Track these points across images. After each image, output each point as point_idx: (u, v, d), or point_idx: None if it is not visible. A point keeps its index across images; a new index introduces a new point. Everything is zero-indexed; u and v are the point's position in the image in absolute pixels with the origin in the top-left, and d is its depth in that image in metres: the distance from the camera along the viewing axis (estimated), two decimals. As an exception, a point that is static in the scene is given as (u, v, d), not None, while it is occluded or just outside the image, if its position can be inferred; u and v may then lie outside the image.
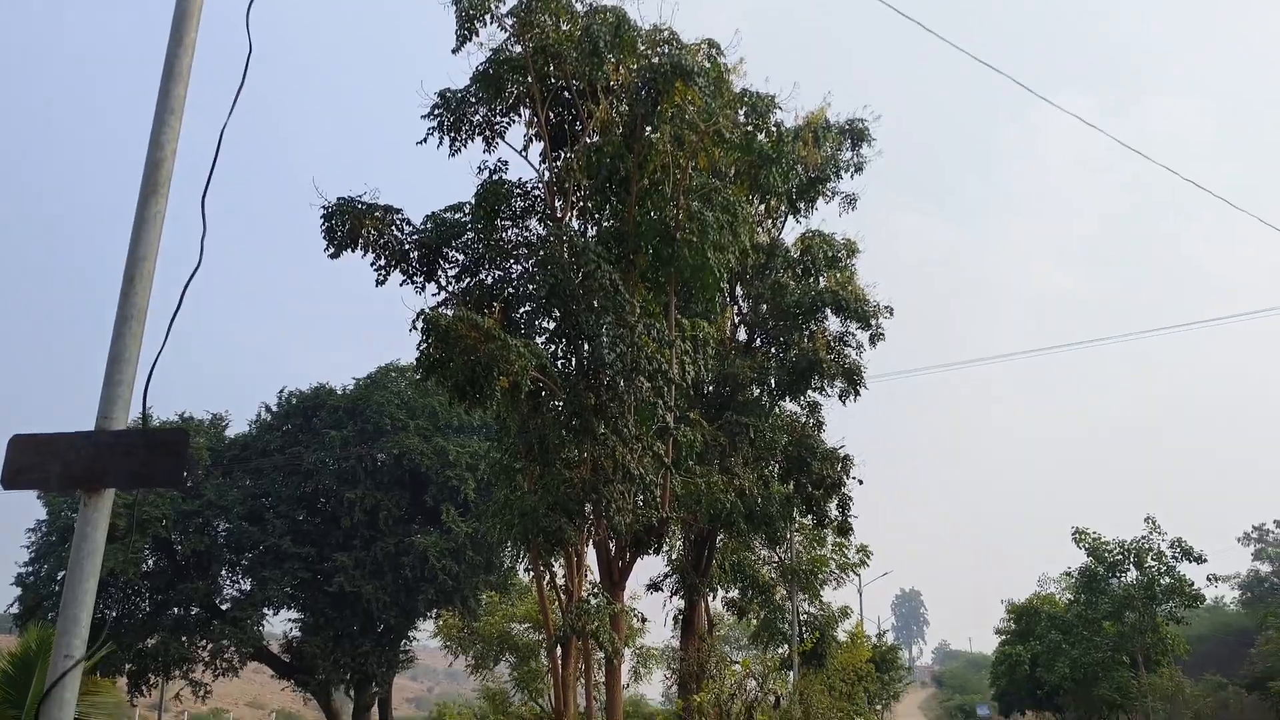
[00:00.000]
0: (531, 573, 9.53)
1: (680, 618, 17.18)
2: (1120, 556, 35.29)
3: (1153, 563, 34.63)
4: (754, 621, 23.58)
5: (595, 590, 7.94)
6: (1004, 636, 50.16)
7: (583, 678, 8.18)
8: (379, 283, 8.30)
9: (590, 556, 8.59)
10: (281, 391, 43.44)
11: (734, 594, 22.62)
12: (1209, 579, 39.31)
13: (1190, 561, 34.30)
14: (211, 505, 37.83)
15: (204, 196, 4.57)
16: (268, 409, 43.15)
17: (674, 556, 18.19)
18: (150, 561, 38.80)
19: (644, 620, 8.47)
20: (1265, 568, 72.79)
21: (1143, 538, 34.98)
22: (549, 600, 8.50)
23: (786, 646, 24.38)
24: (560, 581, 8.55)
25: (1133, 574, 35.26)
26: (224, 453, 41.04)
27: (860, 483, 16.93)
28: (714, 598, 21.39)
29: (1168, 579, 34.44)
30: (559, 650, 7.97)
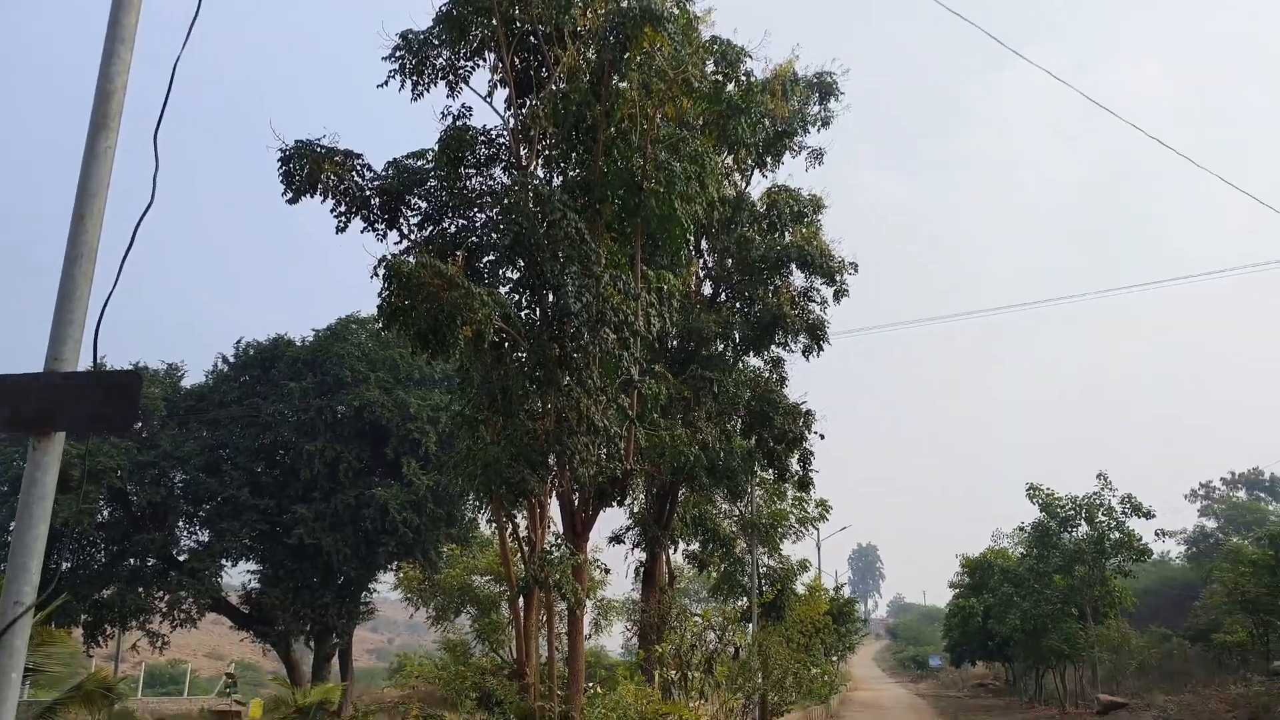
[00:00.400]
0: (493, 525, 9.48)
1: (641, 570, 17.29)
2: (1072, 512, 36.05)
3: (1103, 518, 35.40)
4: (714, 574, 23.80)
5: (558, 541, 7.91)
6: (957, 590, 51.24)
7: (545, 628, 8.17)
8: (339, 229, 8.12)
9: (553, 508, 8.55)
10: (239, 342, 42.85)
11: (695, 547, 22.80)
12: (1157, 534, 40.32)
13: (1140, 517, 35.12)
14: (168, 456, 37.39)
15: (156, 131, 4.40)
16: (225, 360, 42.58)
17: (636, 509, 18.27)
18: (105, 513, 38.37)
19: (607, 572, 8.51)
20: (1211, 524, 74.86)
21: (1094, 494, 35.75)
22: (511, 552, 8.47)
23: (746, 599, 24.67)
24: (523, 533, 8.50)
25: (1083, 529, 36.05)
26: (180, 404, 40.49)
27: (822, 438, 17.11)
28: (675, 551, 21.57)
29: (1117, 534, 35.24)
30: (521, 601, 7.94)
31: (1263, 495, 78.94)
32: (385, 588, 42.68)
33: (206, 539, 39.36)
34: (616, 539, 18.05)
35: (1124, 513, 35.40)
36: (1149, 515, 35.12)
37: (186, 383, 42.63)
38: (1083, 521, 36.06)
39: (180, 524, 40.01)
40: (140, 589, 37.78)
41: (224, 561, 39.17)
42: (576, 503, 8.16)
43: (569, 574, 7.26)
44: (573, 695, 7.78)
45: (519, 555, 8.30)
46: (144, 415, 38.91)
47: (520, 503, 8.03)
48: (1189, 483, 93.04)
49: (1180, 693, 33.53)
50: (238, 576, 41.87)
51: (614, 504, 8.29)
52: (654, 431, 8.96)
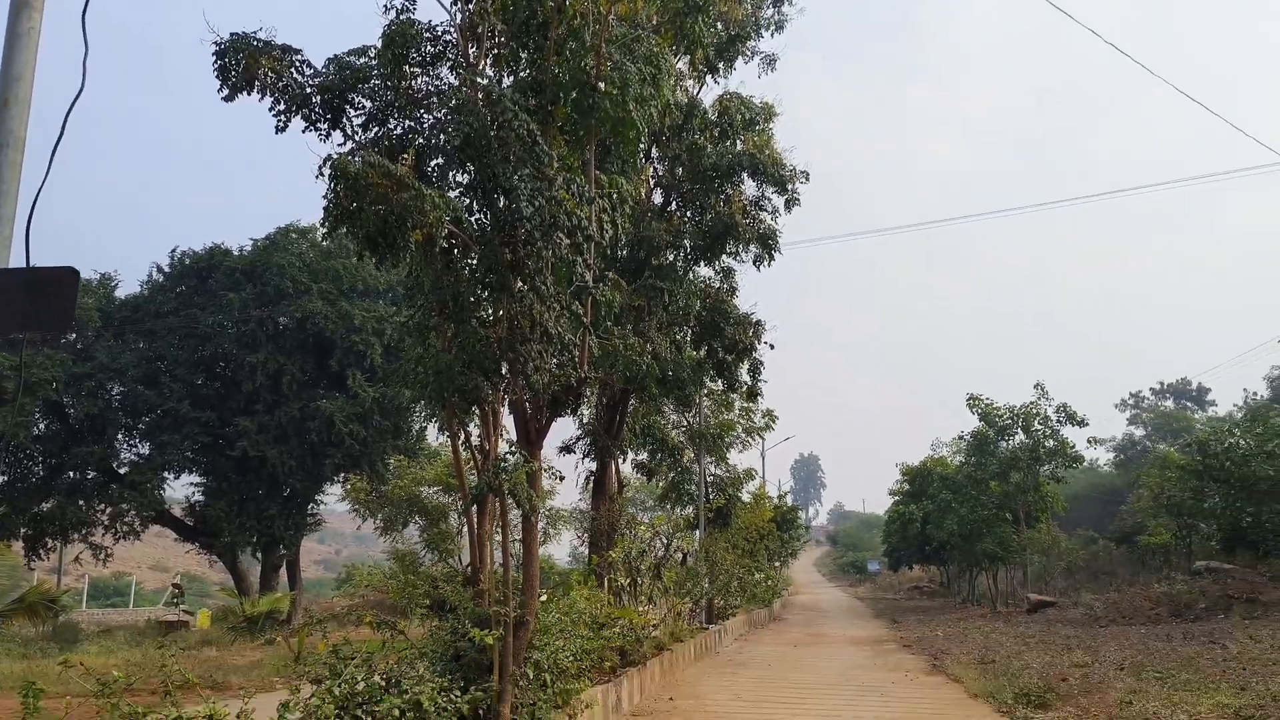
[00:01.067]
0: (442, 436, 9.37)
1: (591, 479, 17.42)
2: (1010, 421, 37.04)
3: (1039, 426, 36.45)
4: (662, 484, 24.11)
5: (512, 449, 7.84)
6: (897, 497, 52.60)
7: (498, 535, 8.17)
8: (279, 129, 7.75)
9: (506, 418, 8.47)
10: (174, 251, 41.66)
11: (643, 457, 23.01)
12: (1089, 441, 41.73)
13: (1074, 425, 36.24)
14: (104, 368, 36.59)
15: (84, 13, 4.09)
16: (159, 269, 41.41)
17: (586, 420, 18.33)
18: (41, 425, 37.66)
19: (561, 479, 8.50)
20: (1139, 432, 77.51)
21: (1031, 403, 36.70)
22: (464, 461, 8.40)
23: (693, 507, 25.06)
24: (475, 441, 8.43)
25: (1020, 437, 37.10)
26: (114, 314, 39.47)
27: (771, 348, 17.22)
28: (624, 461, 21.73)
29: (1052, 441, 36.35)
30: (474, 509, 7.90)
31: (1189, 405, 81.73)
32: (332, 499, 42.61)
33: (147, 452, 38.87)
34: (567, 449, 18.13)
35: (1059, 421, 36.48)
36: (1082, 423, 36.24)
37: (121, 293, 41.54)
38: (1019, 430, 37.09)
39: (120, 437, 39.41)
40: (81, 502, 37.33)
41: (166, 474, 38.75)
42: (530, 411, 8.08)
43: (523, 481, 7.22)
44: (527, 600, 7.82)
45: (471, 464, 8.23)
46: (78, 326, 37.91)
47: (473, 411, 7.91)
48: (1119, 393, 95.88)
49: (1105, 591, 35.05)
50: (181, 489, 41.51)
51: (568, 412, 8.23)
52: (608, 339, 8.87)
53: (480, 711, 7.45)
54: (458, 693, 7.00)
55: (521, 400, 7.95)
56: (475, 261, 7.44)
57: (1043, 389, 36.87)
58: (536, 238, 7.21)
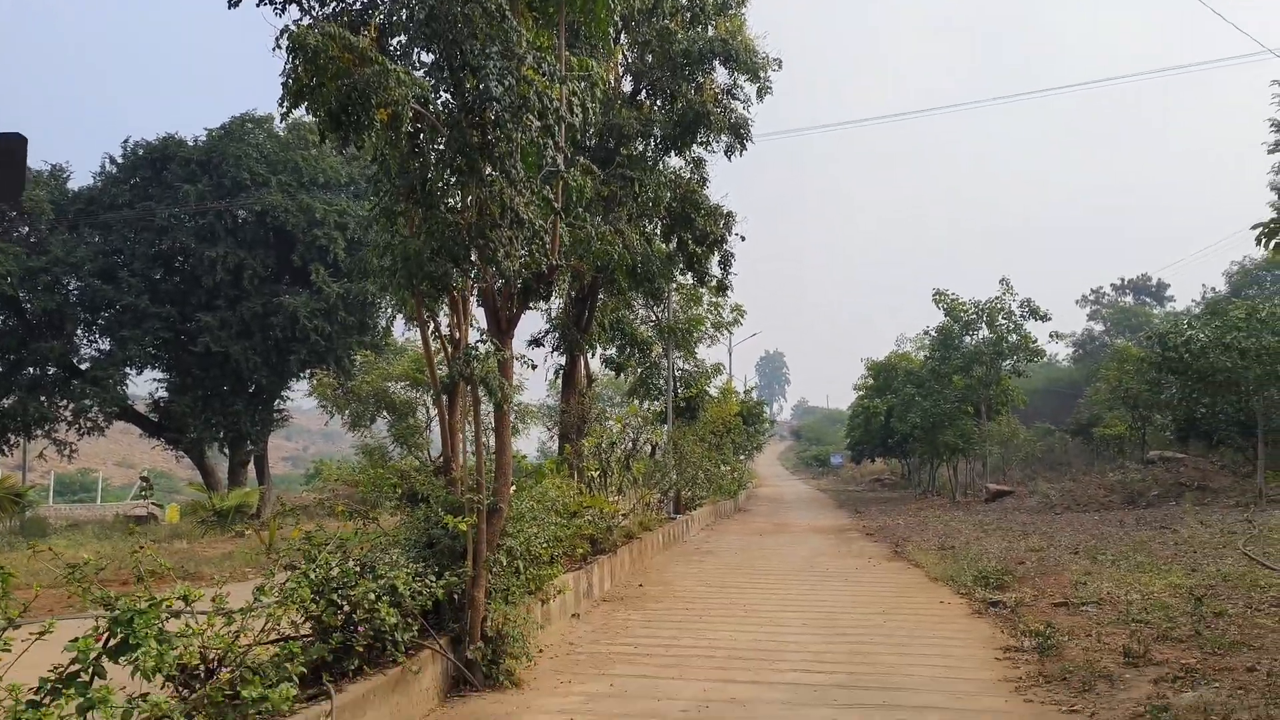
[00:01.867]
0: (411, 328, 9.22)
1: (561, 373, 17.40)
2: (975, 315, 37.42)
3: (1003, 321, 36.87)
4: (631, 378, 24.19)
5: (483, 337, 7.74)
6: (862, 391, 53.31)
7: (470, 425, 8.13)
8: (232, 4, 7.36)
9: (478, 309, 8.35)
10: (126, 141, 40.29)
11: (612, 352, 23.00)
12: (1051, 336, 42.28)
13: (1037, 319, 36.69)
14: (59, 262, 35.76)
15: None
16: (112, 160, 40.16)
17: (555, 313, 18.21)
18: (-2, 321, 37.00)
19: (533, 367, 8.37)
20: (1098, 327, 78.67)
21: (996, 298, 37.05)
22: (433, 351, 8.29)
23: (661, 402, 25.22)
24: (445, 331, 8.31)
25: (984, 332, 37.55)
26: (68, 207, 38.36)
27: (743, 239, 17.06)
28: (593, 356, 21.71)
29: (1015, 336, 36.85)
30: (445, 399, 7.83)
31: (1148, 300, 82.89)
32: (299, 396, 42.47)
33: (108, 347, 38.36)
34: (536, 342, 18.05)
35: (1022, 316, 36.88)
36: (1046, 318, 36.69)
37: (73, 185, 40.36)
38: (984, 325, 37.49)
39: (79, 332, 38.79)
40: (42, 398, 36.95)
41: (128, 370, 38.34)
42: (501, 300, 7.96)
43: (495, 369, 7.14)
44: (500, 488, 7.83)
45: (441, 355, 8.13)
46: (30, 219, 36.92)
47: (442, 300, 7.77)
48: (1080, 289, 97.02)
49: (1061, 481, 36.04)
50: (144, 385, 41.14)
51: (540, 299, 8.11)
52: (578, 226, 8.70)
53: (454, 596, 7.53)
54: (432, 578, 7.06)
55: (492, 289, 7.82)
56: (443, 145, 7.19)
57: (1008, 284, 37.19)
58: (506, 119, 6.97)
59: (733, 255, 16.94)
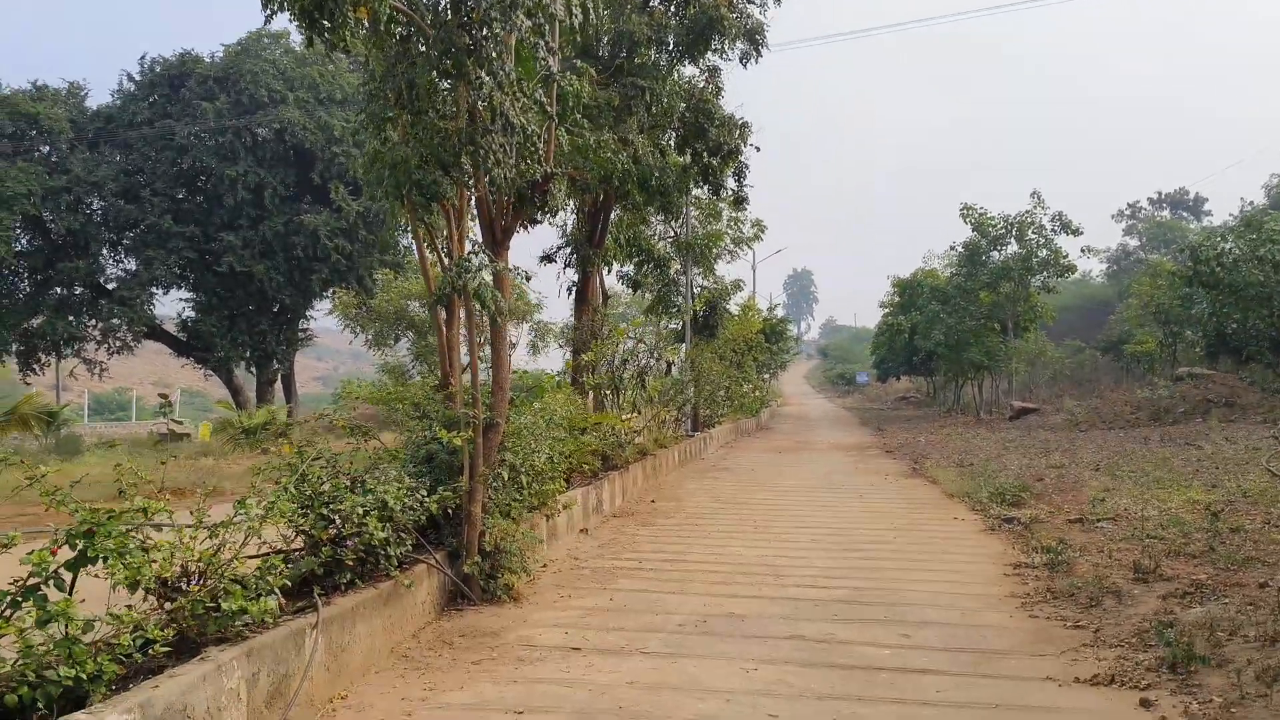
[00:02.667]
0: (403, 235, 9.01)
1: (574, 289, 17.19)
2: (1003, 230, 36.56)
3: (1033, 235, 36.02)
4: (649, 295, 23.92)
5: (476, 249, 7.53)
6: (887, 309, 52.74)
7: (466, 338, 7.98)
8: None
9: (475, 220, 8.13)
10: (143, 58, 40.00)
11: (629, 269, 22.71)
12: (1083, 251, 41.43)
13: (1069, 234, 35.80)
14: (81, 181, 35.81)
15: None
16: (130, 77, 39.89)
17: (569, 230, 17.93)
18: (23, 241, 37.22)
19: (528, 278, 8.11)
20: (1133, 243, 77.11)
21: (1027, 212, 36.14)
22: (431, 264, 8.11)
23: (680, 320, 25.00)
24: (442, 244, 8.12)
25: (1013, 247, 36.75)
26: (87, 125, 38.27)
27: (758, 149, 16.58)
28: (609, 272, 21.46)
29: (1045, 251, 36.05)
30: (444, 314, 7.67)
31: (1185, 214, 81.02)
32: (323, 315, 42.68)
33: (134, 267, 38.63)
34: (548, 258, 17.77)
35: (1054, 230, 36.03)
36: (1077, 232, 35.80)
37: (91, 103, 40.17)
38: (1013, 240, 36.68)
39: (105, 252, 39.08)
40: (70, 317, 37.38)
41: (154, 290, 38.66)
42: (495, 209, 7.73)
43: (488, 282, 6.96)
44: (497, 403, 7.72)
45: (438, 266, 7.95)
46: (50, 136, 36.83)
47: (435, 208, 7.55)
48: (1116, 205, 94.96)
49: (1089, 398, 35.66)
50: (172, 305, 41.55)
51: (536, 210, 7.88)
52: (576, 133, 8.41)
53: (449, 511, 7.48)
54: (424, 492, 6.99)
55: (485, 198, 7.59)
56: (430, 47, 6.89)
57: (1039, 198, 36.25)
58: (494, 18, 6.67)
59: (748, 167, 16.52)
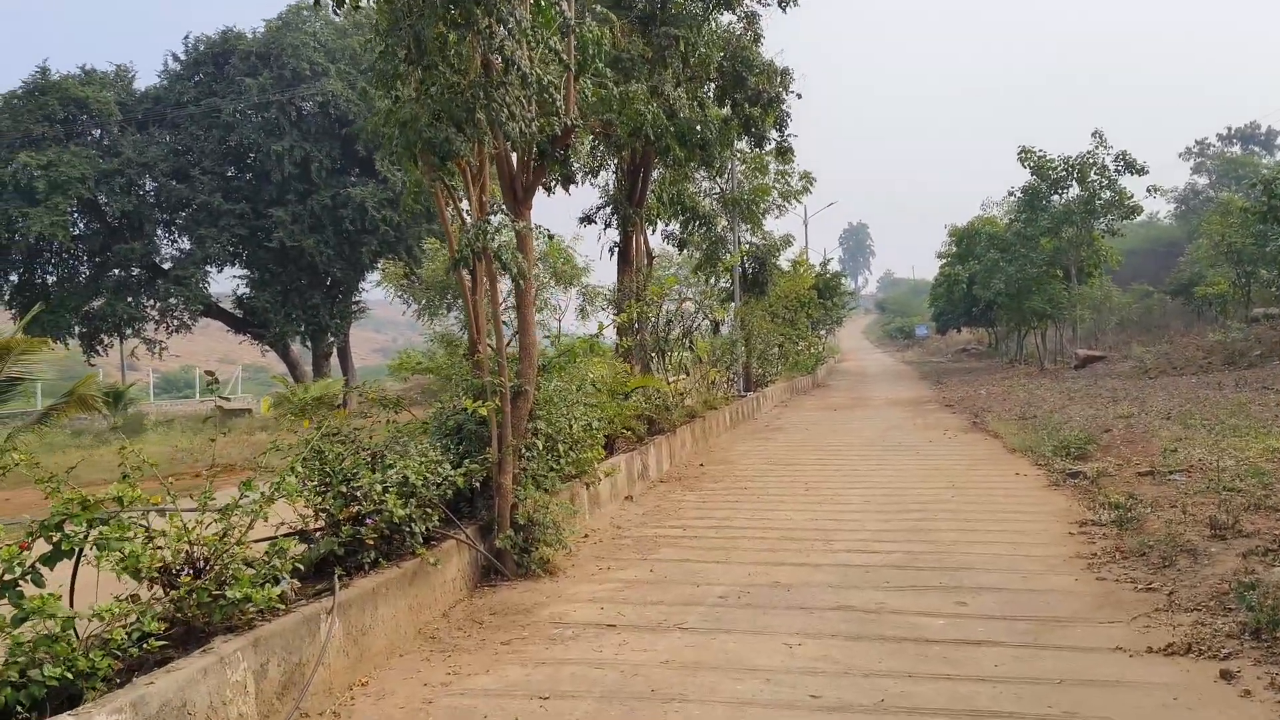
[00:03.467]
0: (416, 195, 8.66)
1: (616, 250, 16.78)
2: (1064, 172, 35.12)
3: (1095, 177, 34.56)
4: (696, 254, 23.39)
5: (495, 208, 7.17)
6: (945, 260, 51.47)
7: (491, 301, 7.65)
8: None
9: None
10: (186, 37, 40.13)
11: (674, 227, 22.19)
12: (1149, 191, 39.75)
13: (1133, 174, 34.28)
14: (132, 163, 36.18)
15: None
16: (175, 58, 40.13)
17: (609, 189, 17.49)
18: (80, 224, 37.83)
19: (550, 237, 7.74)
20: (1202, 180, 74.22)
21: (1088, 153, 34.66)
22: (454, 225, 7.77)
23: (729, 278, 24.45)
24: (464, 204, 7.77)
25: (1074, 190, 35.34)
26: (135, 107, 38.63)
27: (799, 96, 15.94)
28: (653, 232, 20.98)
29: (1108, 192, 34.59)
30: (468, 277, 7.34)
31: (1257, 149, 77.72)
32: (374, 287, 42.88)
33: (188, 246, 39.11)
34: (588, 219, 17.36)
35: (1117, 171, 34.55)
36: (1142, 171, 34.28)
37: (139, 85, 40.52)
38: (1074, 182, 35.27)
39: (159, 233, 39.60)
40: (129, 298, 37.99)
41: (209, 268, 39.07)
42: (515, 166, 7.36)
43: (509, 242, 6.61)
44: (524, 369, 7.41)
45: (461, 227, 7.62)
46: (99, 120, 37.25)
47: (451, 168, 7.19)
48: (1183, 143, 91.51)
49: (1158, 344, 34.42)
50: (226, 283, 42.08)
51: (559, 167, 7.50)
52: (600, 84, 7.98)
53: (476, 484, 7.20)
54: (450, 465, 6.71)
55: (505, 155, 7.22)
56: (438, -4, 6.51)
57: (1101, 137, 34.75)
58: (502, -39, 6.26)
59: (789, 115, 15.86)
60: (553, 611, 6.46)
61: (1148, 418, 16.54)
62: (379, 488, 5.86)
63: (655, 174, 20.24)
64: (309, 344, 42.23)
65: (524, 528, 7.26)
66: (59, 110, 36.04)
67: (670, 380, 16.03)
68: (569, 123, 7.12)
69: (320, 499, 5.84)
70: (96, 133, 37.94)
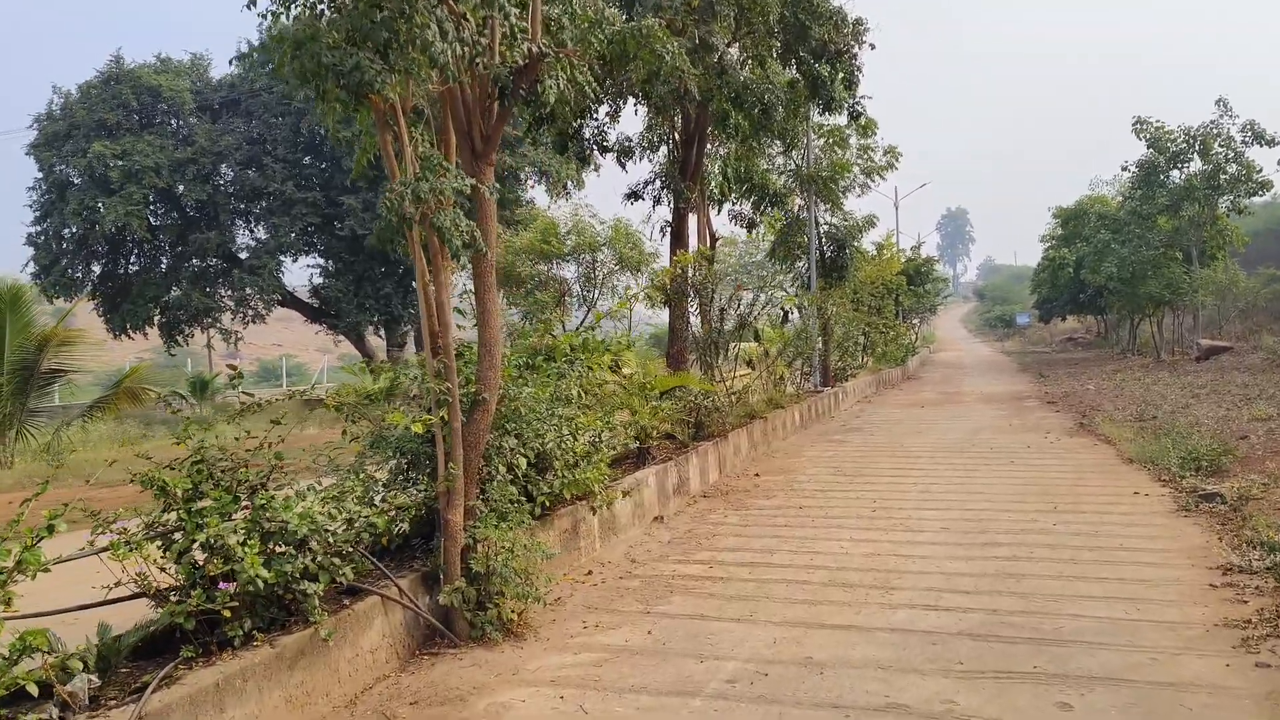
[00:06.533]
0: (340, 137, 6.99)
1: (668, 229, 15.04)
2: (1184, 145, 31.78)
3: (1219, 149, 31.18)
4: (769, 237, 21.44)
5: (434, 160, 5.45)
6: (1049, 243, 48.11)
7: (436, 284, 5.99)
8: None
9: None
10: (261, 24, 39.80)
11: (745, 208, 20.30)
12: (1280, 164, 36.02)
13: (1263, 145, 30.78)
14: (206, 152, 35.90)
15: None
16: (250, 45, 39.74)
17: (660, 162, 15.75)
18: (159, 214, 37.83)
19: (498, 195, 6.37)
20: (1340, 155, 68.40)
21: (1211, 123, 31.29)
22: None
23: (805, 263, 22.43)
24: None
25: (1196, 164, 31.99)
26: (211, 96, 38.42)
27: (873, 48, 13.84)
28: (718, 212, 19.15)
29: (1234, 166, 31.16)
30: (422, 253, 5.70)
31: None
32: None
33: (263, 235, 38.86)
34: (634, 195, 15.65)
35: (1244, 142, 31.12)
36: (1273, 143, 30.73)
37: (215, 74, 40.38)
38: (1195, 156, 31.94)
39: (236, 222, 39.45)
40: (206, 288, 37.88)
41: (283, 257, 38.72)
42: (468, 107, 5.69)
43: (449, 201, 4.96)
44: (483, 372, 5.75)
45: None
46: (174, 109, 37.13)
47: (364, 105, 5.48)
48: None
49: (1292, 334, 30.97)
50: (301, 273, 41.90)
51: (524, 106, 5.84)
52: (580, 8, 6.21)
53: (423, 514, 5.59)
54: (352, 503, 5.10)
55: (454, 93, 5.57)
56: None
57: (1225, 105, 31.37)
58: None
59: (860, 70, 13.80)
60: (493, 703, 4.78)
61: (1292, 421, 14.07)
62: (232, 538, 4.26)
63: (720, 149, 18.44)
64: (382, 333, 41.62)
65: (480, 577, 5.60)
66: (133, 99, 35.96)
67: (728, 377, 14.19)
68: (534, 48, 5.42)
69: (164, 552, 4.29)
70: (173, 122, 37.83)
